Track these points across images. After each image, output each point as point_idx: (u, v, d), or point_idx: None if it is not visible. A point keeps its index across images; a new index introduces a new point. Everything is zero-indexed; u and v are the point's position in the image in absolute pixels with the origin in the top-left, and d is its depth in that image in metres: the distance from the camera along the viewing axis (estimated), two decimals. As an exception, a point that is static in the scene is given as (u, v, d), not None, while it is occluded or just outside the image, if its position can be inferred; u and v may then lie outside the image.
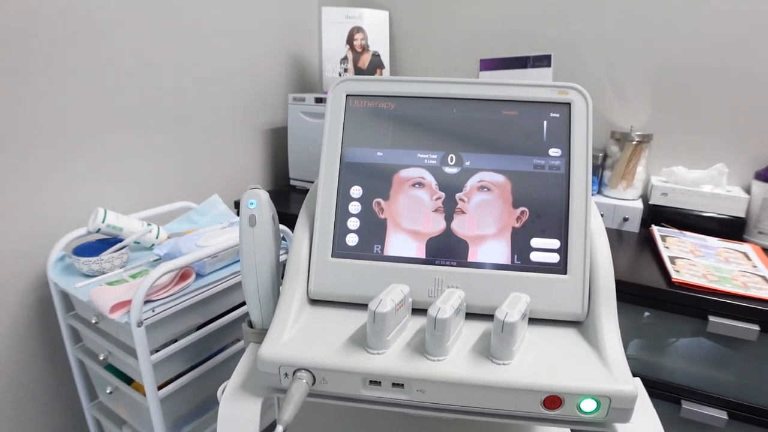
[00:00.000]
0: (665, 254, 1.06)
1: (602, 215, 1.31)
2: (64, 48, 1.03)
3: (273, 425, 0.49)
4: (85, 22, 1.05)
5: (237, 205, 1.46)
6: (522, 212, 0.58)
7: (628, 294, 0.97)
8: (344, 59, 1.60)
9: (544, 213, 0.57)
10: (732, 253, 1.11)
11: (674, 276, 0.95)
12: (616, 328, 0.53)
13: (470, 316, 0.56)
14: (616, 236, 1.25)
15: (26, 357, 1.08)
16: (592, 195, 1.34)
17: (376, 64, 1.64)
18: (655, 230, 1.21)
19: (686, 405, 0.97)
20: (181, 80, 1.30)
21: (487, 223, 0.58)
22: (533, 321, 0.55)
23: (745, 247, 1.16)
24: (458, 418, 0.64)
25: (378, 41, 1.65)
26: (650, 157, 1.38)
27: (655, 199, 1.30)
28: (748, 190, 1.27)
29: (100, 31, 1.08)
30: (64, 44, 1.03)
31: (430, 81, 0.61)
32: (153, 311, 0.82)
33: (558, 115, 0.60)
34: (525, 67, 1.46)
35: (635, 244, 1.19)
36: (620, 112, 1.42)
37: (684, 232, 1.23)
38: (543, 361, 0.50)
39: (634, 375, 1.02)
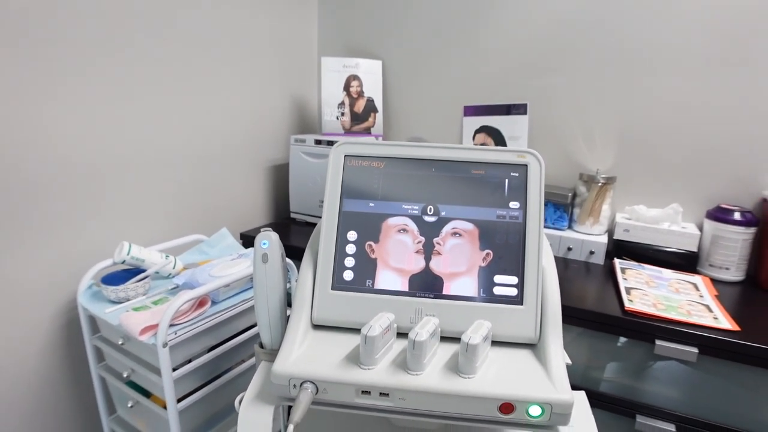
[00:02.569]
0: (622, 285, 1.17)
1: (570, 248, 1.43)
2: (90, 101, 1.15)
3: None
4: (108, 76, 1.18)
5: (242, 236, 1.57)
6: (487, 254, 0.69)
7: (589, 321, 1.08)
8: (341, 104, 1.73)
9: (505, 254, 0.69)
10: (683, 284, 1.23)
11: (627, 305, 1.06)
12: (561, 349, 0.64)
13: (445, 339, 0.67)
14: (584, 268, 1.37)
15: (52, 374, 1.17)
16: (564, 231, 1.47)
17: (370, 109, 1.77)
18: (617, 263, 1.33)
19: (640, 419, 1.08)
20: (193, 123, 1.42)
21: (458, 263, 0.69)
22: (496, 343, 0.66)
23: (696, 278, 1.27)
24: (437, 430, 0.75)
25: (372, 88, 1.78)
26: (615, 197, 1.51)
27: (619, 235, 1.43)
28: (701, 227, 1.40)
29: (123, 84, 1.21)
30: (88, 99, 1.15)
31: (413, 146, 0.73)
32: (175, 334, 0.93)
33: (517, 175, 0.72)
34: (504, 114, 1.59)
35: (600, 275, 1.31)
36: (588, 156, 1.55)
37: (643, 264, 1.35)
38: (501, 376, 0.60)
39: (592, 391, 1.13)
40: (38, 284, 1.10)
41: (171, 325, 0.92)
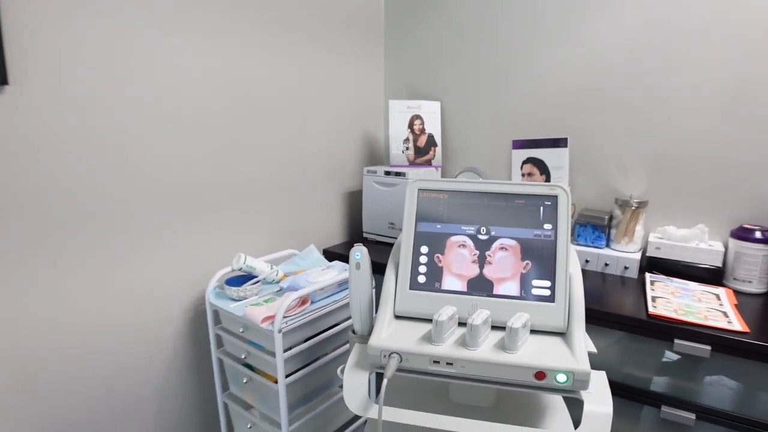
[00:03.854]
0: (650, 294, 1.31)
1: (607, 264, 1.57)
2: (232, 163, 1.42)
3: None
4: (234, 137, 1.45)
5: (325, 252, 1.81)
6: (527, 264, 0.87)
7: (619, 323, 1.23)
8: (406, 140, 1.95)
9: (540, 264, 0.87)
10: (706, 294, 1.35)
11: (651, 310, 1.20)
12: (584, 336, 0.81)
13: (495, 328, 0.85)
14: (619, 281, 1.50)
15: (180, 355, 1.42)
16: (602, 249, 1.61)
17: (431, 143, 1.98)
18: (648, 276, 1.46)
19: (665, 408, 1.21)
20: (287, 158, 1.68)
21: (505, 271, 0.88)
22: (533, 332, 0.84)
23: (719, 290, 1.39)
24: (493, 411, 0.93)
25: (432, 125, 1.99)
26: (647, 219, 1.63)
27: (651, 252, 1.55)
28: (726, 245, 1.51)
29: (241, 135, 1.48)
30: (230, 162, 1.42)
31: (470, 182, 0.93)
32: (287, 323, 1.15)
33: (550, 203, 0.90)
34: (548, 147, 1.76)
35: (632, 287, 1.44)
36: (622, 182, 1.69)
37: (672, 278, 1.47)
38: (536, 353, 0.78)
39: (625, 385, 1.25)
40: (176, 285, 1.36)
41: (284, 317, 1.15)
